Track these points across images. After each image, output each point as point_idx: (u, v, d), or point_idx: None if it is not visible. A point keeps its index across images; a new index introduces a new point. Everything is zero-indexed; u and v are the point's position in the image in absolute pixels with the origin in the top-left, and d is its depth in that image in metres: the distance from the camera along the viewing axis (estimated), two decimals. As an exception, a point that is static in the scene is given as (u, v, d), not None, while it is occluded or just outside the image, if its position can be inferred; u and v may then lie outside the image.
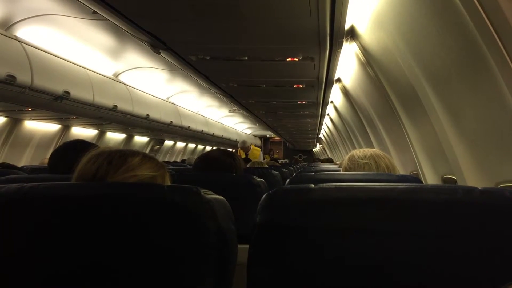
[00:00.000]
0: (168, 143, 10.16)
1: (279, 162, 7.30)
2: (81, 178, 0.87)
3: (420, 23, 1.87)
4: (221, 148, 3.52)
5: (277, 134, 13.11)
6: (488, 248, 0.66)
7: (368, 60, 3.01)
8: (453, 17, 1.53)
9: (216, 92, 5.02)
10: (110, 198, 0.73)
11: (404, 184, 0.72)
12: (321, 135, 12.65)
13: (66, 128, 6.17)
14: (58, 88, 3.93)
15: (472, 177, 1.98)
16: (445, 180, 2.50)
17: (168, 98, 7.13)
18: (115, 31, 3.88)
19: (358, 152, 1.64)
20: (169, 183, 0.94)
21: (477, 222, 0.67)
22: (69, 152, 1.51)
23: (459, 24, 1.51)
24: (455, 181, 2.24)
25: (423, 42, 1.97)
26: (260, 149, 8.66)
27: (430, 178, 2.74)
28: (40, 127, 5.70)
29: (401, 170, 3.37)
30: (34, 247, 0.72)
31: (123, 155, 0.90)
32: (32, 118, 5.28)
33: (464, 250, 0.66)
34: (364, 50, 2.92)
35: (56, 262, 0.71)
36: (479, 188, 0.69)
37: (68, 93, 4.05)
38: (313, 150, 19.36)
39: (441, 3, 1.59)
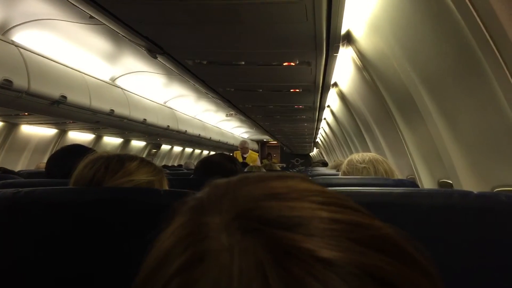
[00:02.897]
0: (165, 147, 10.15)
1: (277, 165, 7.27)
2: (78, 183, 0.87)
3: (415, 28, 1.89)
4: (222, 152, 3.52)
5: (274, 139, 13.11)
6: (483, 252, 0.66)
7: (364, 65, 3.02)
8: (448, 22, 1.55)
9: (213, 97, 5.02)
10: (106, 203, 0.73)
11: (401, 188, 0.72)
12: (318, 140, 12.65)
13: (62, 133, 6.16)
14: (55, 93, 3.92)
15: (468, 181, 1.99)
16: (441, 185, 2.51)
17: (165, 103, 7.12)
18: (112, 36, 3.88)
19: (357, 156, 1.65)
20: (166, 188, 0.94)
21: (473, 226, 0.67)
22: (66, 157, 1.51)
23: (454, 29, 1.52)
24: (451, 185, 2.25)
25: (419, 46, 1.98)
26: (258, 153, 8.63)
27: (426, 182, 2.74)
28: (36, 131, 5.69)
29: (397, 174, 3.37)
30: (31, 253, 0.72)
31: (120, 160, 0.90)
32: (29, 122, 5.27)
33: (460, 255, 0.66)
34: (360, 54, 2.93)
35: (53, 267, 0.71)
36: (475, 192, 0.69)
37: (64, 97, 4.04)
38: (310, 154, 19.35)
39: (437, 8, 1.60)
